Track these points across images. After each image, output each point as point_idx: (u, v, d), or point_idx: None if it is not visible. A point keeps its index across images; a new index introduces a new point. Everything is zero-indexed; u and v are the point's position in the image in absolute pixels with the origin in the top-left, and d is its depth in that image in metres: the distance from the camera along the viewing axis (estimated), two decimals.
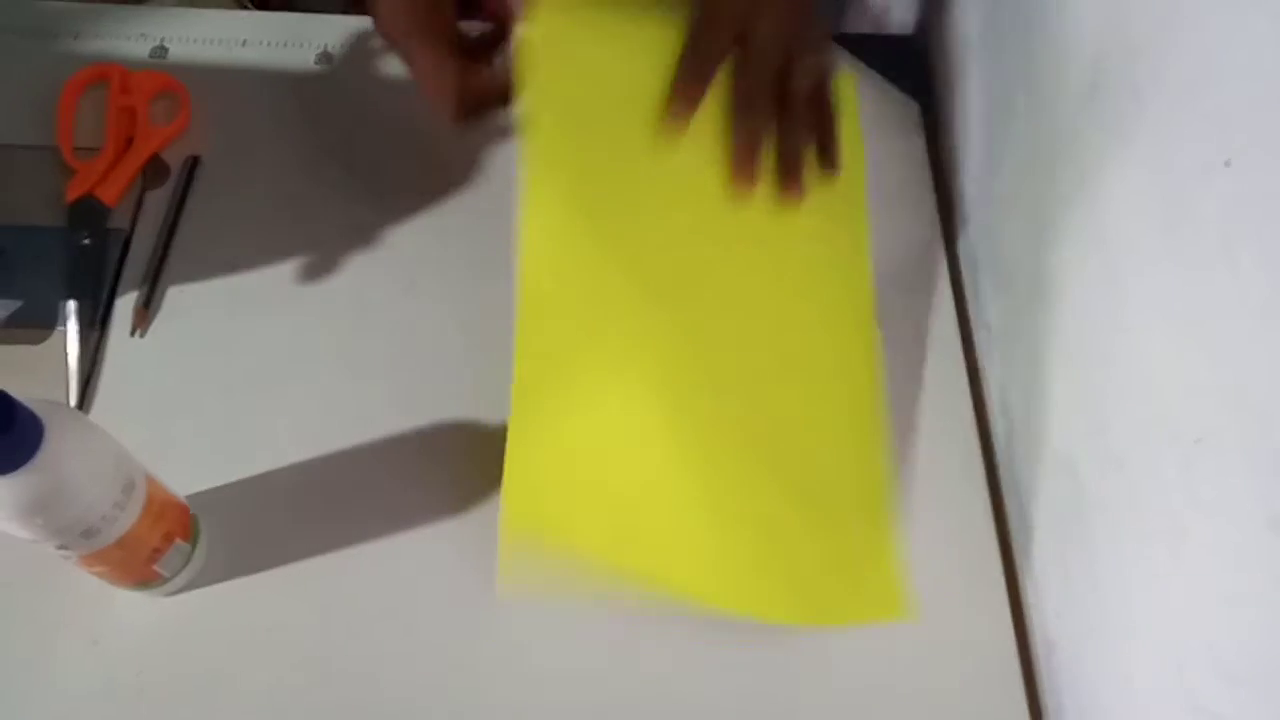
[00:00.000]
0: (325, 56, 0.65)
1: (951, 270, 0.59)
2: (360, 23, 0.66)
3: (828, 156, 0.51)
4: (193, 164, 0.60)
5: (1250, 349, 0.34)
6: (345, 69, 0.65)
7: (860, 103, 0.62)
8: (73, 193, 0.57)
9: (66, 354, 0.53)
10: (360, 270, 0.57)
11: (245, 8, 0.79)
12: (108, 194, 0.57)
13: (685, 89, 0.47)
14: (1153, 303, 0.40)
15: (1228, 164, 0.34)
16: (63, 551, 0.40)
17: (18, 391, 0.35)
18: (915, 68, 0.67)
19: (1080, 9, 0.46)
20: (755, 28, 0.48)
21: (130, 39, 0.65)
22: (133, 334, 0.54)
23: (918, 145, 0.63)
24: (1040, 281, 0.49)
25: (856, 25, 0.81)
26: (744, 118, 0.48)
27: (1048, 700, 0.47)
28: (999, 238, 0.55)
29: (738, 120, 0.48)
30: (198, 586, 0.48)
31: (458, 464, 0.52)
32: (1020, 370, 0.52)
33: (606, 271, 0.44)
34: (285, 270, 0.57)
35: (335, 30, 0.66)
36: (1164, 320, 0.39)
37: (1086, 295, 0.45)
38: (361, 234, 0.58)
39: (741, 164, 0.48)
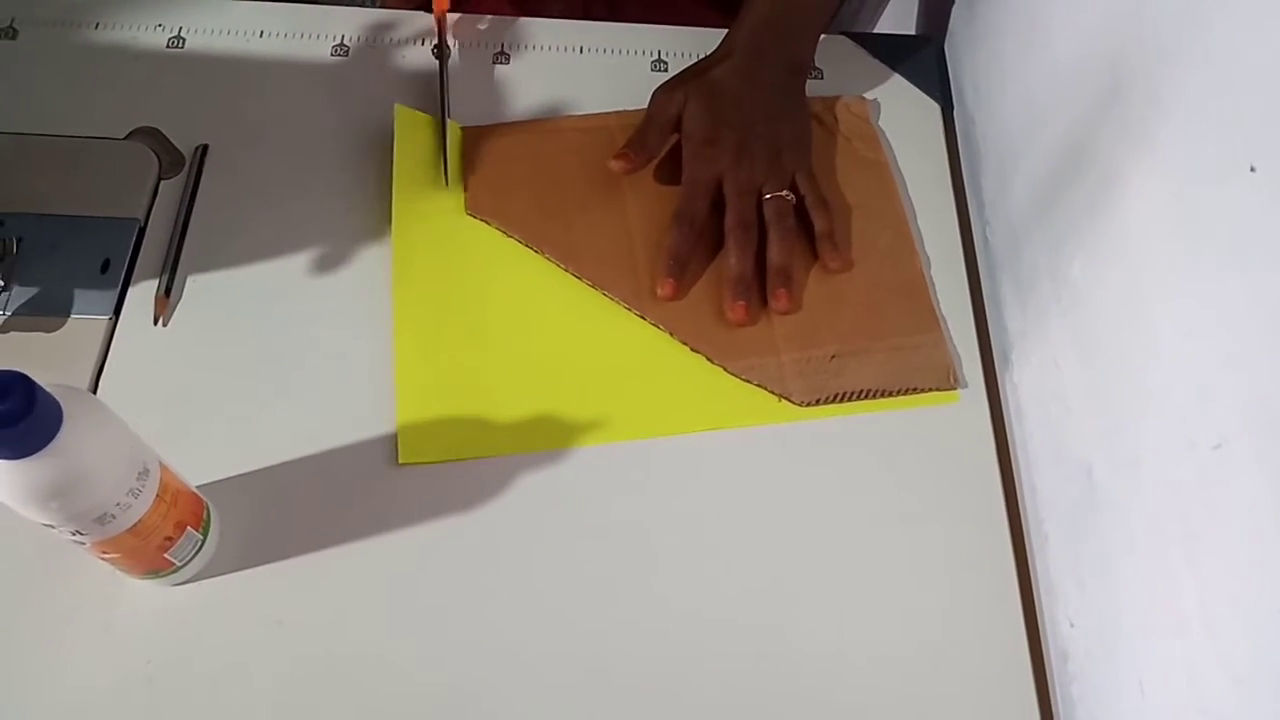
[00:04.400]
0: (341, 48, 0.65)
1: (970, 272, 0.59)
2: (376, 15, 0.66)
3: (825, 254, 0.58)
4: (203, 152, 0.60)
5: (1267, 355, 0.34)
6: (361, 61, 0.65)
7: (879, 107, 0.65)
8: None
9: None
10: (375, 261, 0.57)
11: None
12: None
13: (677, 246, 0.56)
14: (1172, 308, 0.40)
15: (1253, 169, 0.34)
16: (77, 537, 0.40)
17: (32, 377, 0.35)
18: (937, 69, 0.67)
19: (1100, 15, 0.46)
20: (727, 181, 0.57)
21: (148, 29, 0.65)
22: (155, 322, 0.54)
23: (938, 146, 0.63)
24: (1059, 285, 0.49)
25: (865, 24, 0.81)
26: (731, 251, 0.56)
27: (1060, 709, 0.47)
28: (1019, 240, 0.55)
29: (729, 253, 0.56)
30: (208, 576, 0.48)
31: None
32: (1038, 374, 0.52)
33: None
34: (300, 261, 0.57)
35: (352, 22, 0.66)
36: (1183, 325, 0.39)
37: (1106, 300, 0.45)
38: (375, 224, 0.58)
39: (734, 289, 0.55)
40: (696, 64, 0.61)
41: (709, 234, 0.57)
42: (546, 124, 0.63)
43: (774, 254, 0.56)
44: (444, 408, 0.53)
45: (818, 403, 0.54)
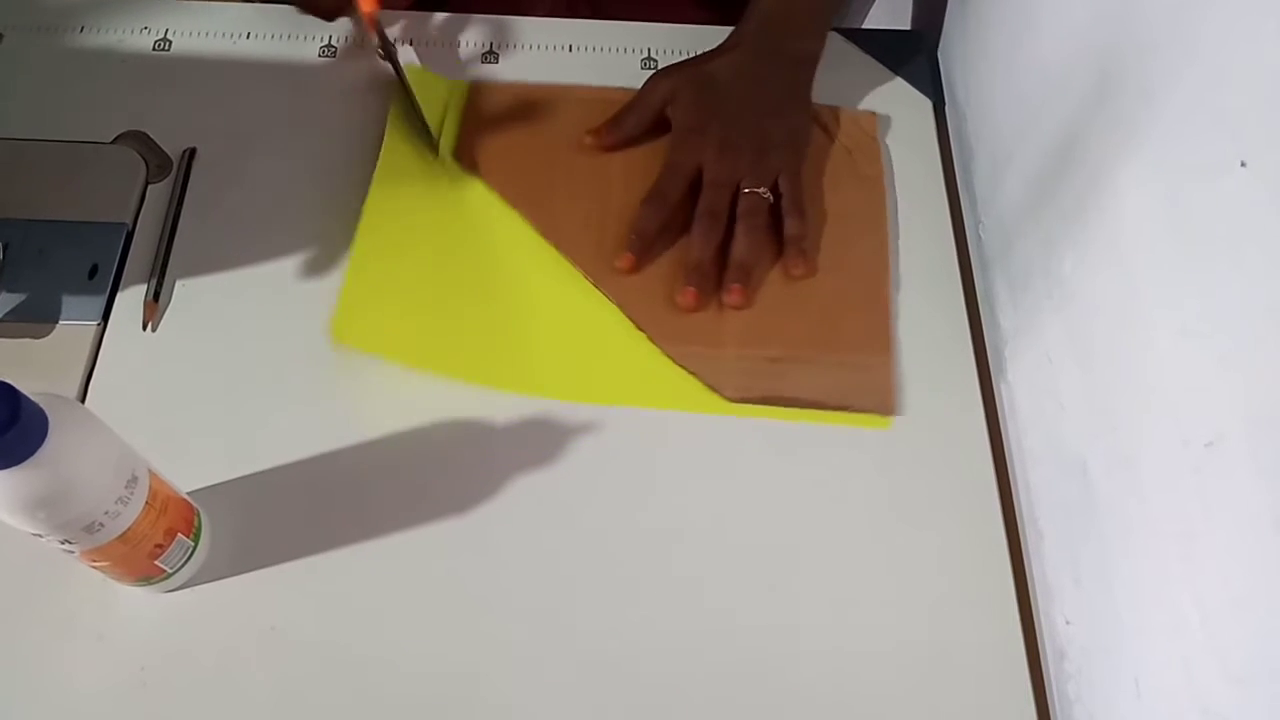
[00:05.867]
0: (329, 49, 0.65)
1: (963, 269, 0.59)
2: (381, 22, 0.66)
3: (790, 259, 0.57)
4: (190, 155, 0.60)
5: (1261, 352, 0.34)
6: (349, 61, 0.65)
7: (889, 122, 0.65)
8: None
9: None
10: None
11: (249, 0, 0.79)
12: None
13: (644, 224, 0.56)
14: (1165, 305, 0.39)
15: (1244, 165, 0.34)
16: (66, 546, 0.40)
17: (20, 385, 0.35)
18: (928, 64, 0.67)
19: (1090, 11, 0.46)
20: (706, 170, 0.57)
21: (134, 32, 0.65)
22: (144, 328, 0.54)
23: (930, 143, 0.63)
24: (1052, 282, 0.49)
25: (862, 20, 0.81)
26: (695, 237, 0.56)
27: (1057, 707, 0.47)
28: (1011, 237, 0.54)
29: (693, 239, 0.56)
30: (200, 582, 0.48)
31: (461, 459, 0.51)
32: (1031, 371, 0.52)
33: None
34: (290, 263, 0.57)
35: (339, 23, 0.66)
36: (1176, 322, 0.39)
37: (1099, 297, 0.45)
38: None
39: (689, 275, 0.55)
40: (699, 55, 0.61)
41: (680, 219, 0.57)
42: (555, 89, 0.64)
43: (737, 248, 0.56)
44: (388, 309, 0.55)
45: (747, 401, 0.53)
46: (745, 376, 0.54)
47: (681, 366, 0.54)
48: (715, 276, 0.56)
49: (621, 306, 0.56)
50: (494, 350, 0.54)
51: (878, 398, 0.54)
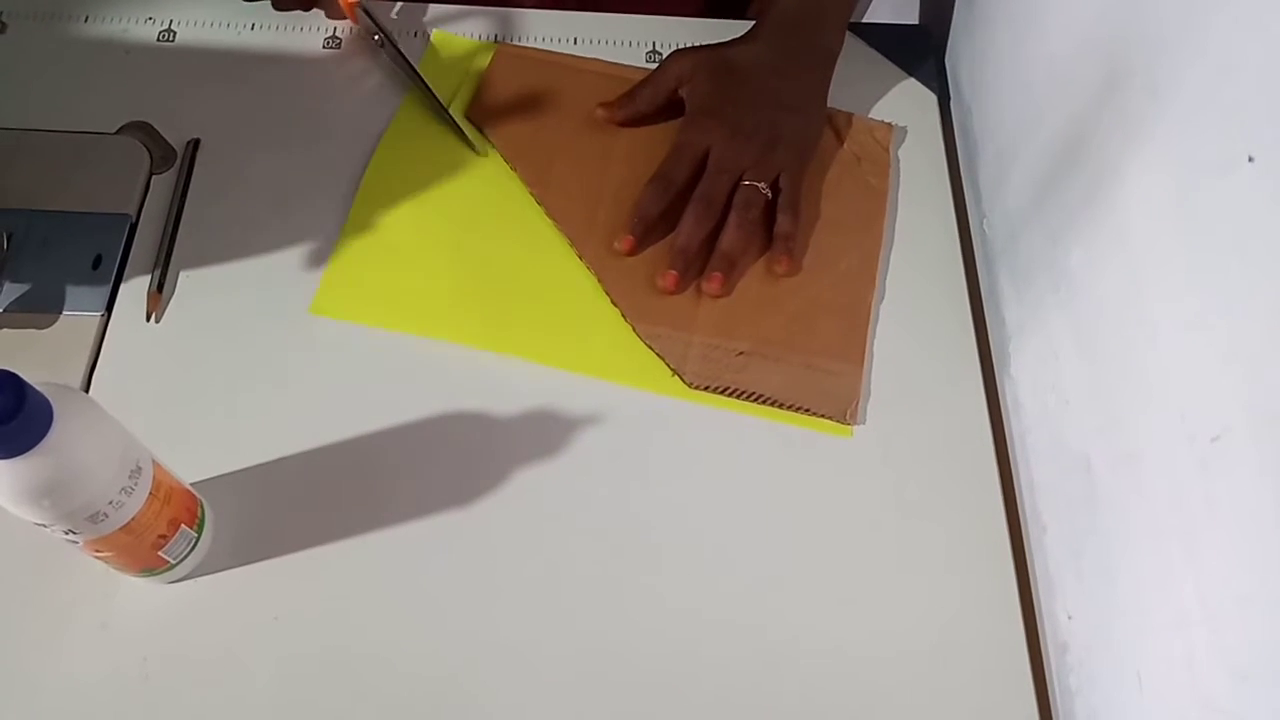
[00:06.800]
0: (333, 40, 0.65)
1: (968, 264, 0.59)
2: (368, 7, 0.66)
3: (776, 256, 0.57)
4: (194, 146, 0.60)
5: (1266, 347, 0.34)
6: (353, 53, 0.65)
7: (904, 134, 0.64)
8: None
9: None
10: None
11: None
12: None
13: (647, 207, 0.56)
14: (1171, 299, 0.39)
15: (1251, 159, 0.34)
16: (69, 536, 0.40)
17: (24, 375, 0.35)
18: (934, 59, 0.67)
19: (1097, 4, 0.46)
20: (713, 153, 0.58)
21: (139, 22, 0.64)
22: (148, 319, 0.54)
23: (935, 138, 0.63)
24: (1057, 276, 0.49)
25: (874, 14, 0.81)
26: (686, 221, 0.56)
27: (1058, 701, 0.47)
28: (1017, 232, 0.54)
29: (683, 223, 0.56)
30: (203, 573, 0.48)
31: (464, 453, 0.51)
32: (1036, 366, 0.52)
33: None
34: (293, 255, 0.57)
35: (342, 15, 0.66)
36: (1181, 317, 0.39)
37: (1104, 291, 0.45)
38: None
39: (674, 258, 0.56)
40: (719, 42, 0.61)
41: (682, 204, 0.57)
42: (576, 60, 0.65)
43: (725, 239, 0.56)
44: (367, 279, 0.56)
45: (707, 389, 0.54)
46: (709, 364, 0.54)
47: (647, 346, 0.54)
48: (699, 263, 0.56)
49: (600, 279, 0.56)
50: (465, 306, 0.55)
51: (839, 405, 0.53)
